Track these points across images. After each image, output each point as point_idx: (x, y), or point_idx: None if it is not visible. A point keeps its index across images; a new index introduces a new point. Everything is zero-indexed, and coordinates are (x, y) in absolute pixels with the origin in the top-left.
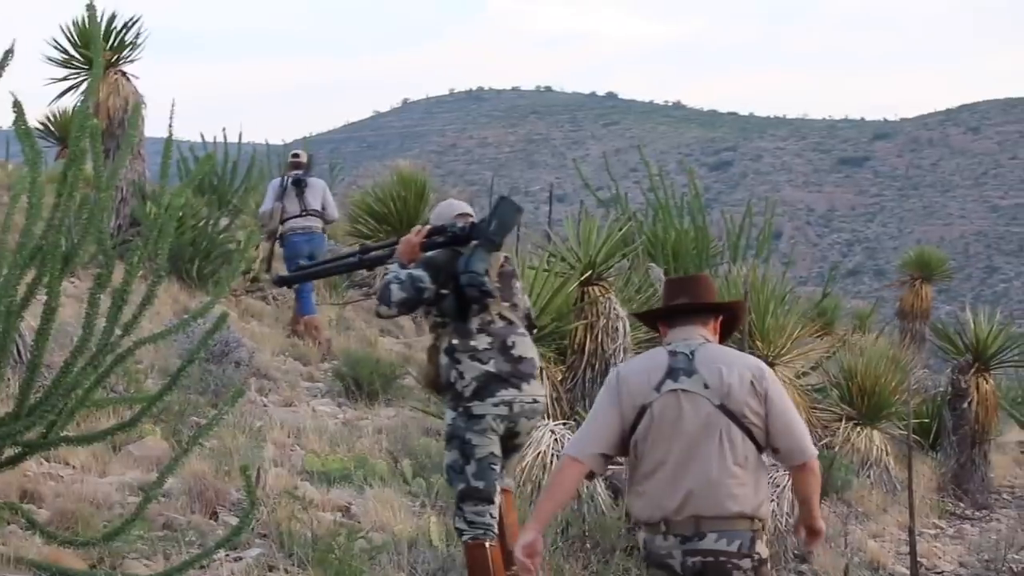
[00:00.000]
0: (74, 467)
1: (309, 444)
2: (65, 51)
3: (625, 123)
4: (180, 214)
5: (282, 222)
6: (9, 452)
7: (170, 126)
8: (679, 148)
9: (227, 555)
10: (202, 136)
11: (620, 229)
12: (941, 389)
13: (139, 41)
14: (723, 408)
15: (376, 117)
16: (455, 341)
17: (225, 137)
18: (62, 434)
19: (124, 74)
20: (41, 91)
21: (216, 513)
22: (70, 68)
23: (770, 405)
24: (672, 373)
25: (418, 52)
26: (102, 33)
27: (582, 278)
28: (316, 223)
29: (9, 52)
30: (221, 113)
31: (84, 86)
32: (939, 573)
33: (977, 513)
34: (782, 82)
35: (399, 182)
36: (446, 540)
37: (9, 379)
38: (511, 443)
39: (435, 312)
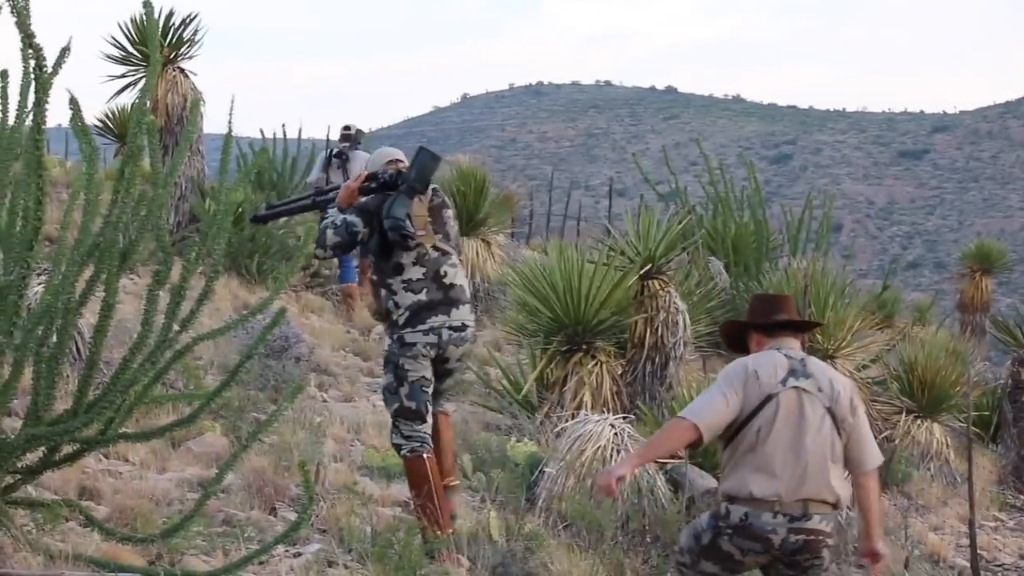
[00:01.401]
0: (133, 463)
1: (369, 439)
2: (123, 48)
3: (685, 117)
4: (239, 210)
5: None
6: (68, 449)
7: (229, 122)
8: (739, 141)
9: (286, 551)
10: (261, 132)
11: (680, 223)
12: (1001, 381)
13: (196, 38)
14: (830, 411)
15: (436, 112)
16: (393, 275)
17: (284, 133)
18: (121, 431)
19: (182, 71)
20: (99, 88)
21: (275, 509)
22: (128, 65)
23: (857, 419)
24: (793, 372)
25: (476, 48)
26: (159, 30)
27: (642, 272)
28: None
29: (66, 50)
30: (280, 109)
31: (142, 83)
32: (999, 565)
33: None
34: (841, 75)
35: (459, 177)
36: (506, 535)
37: (68, 376)
38: (442, 367)
39: (372, 251)
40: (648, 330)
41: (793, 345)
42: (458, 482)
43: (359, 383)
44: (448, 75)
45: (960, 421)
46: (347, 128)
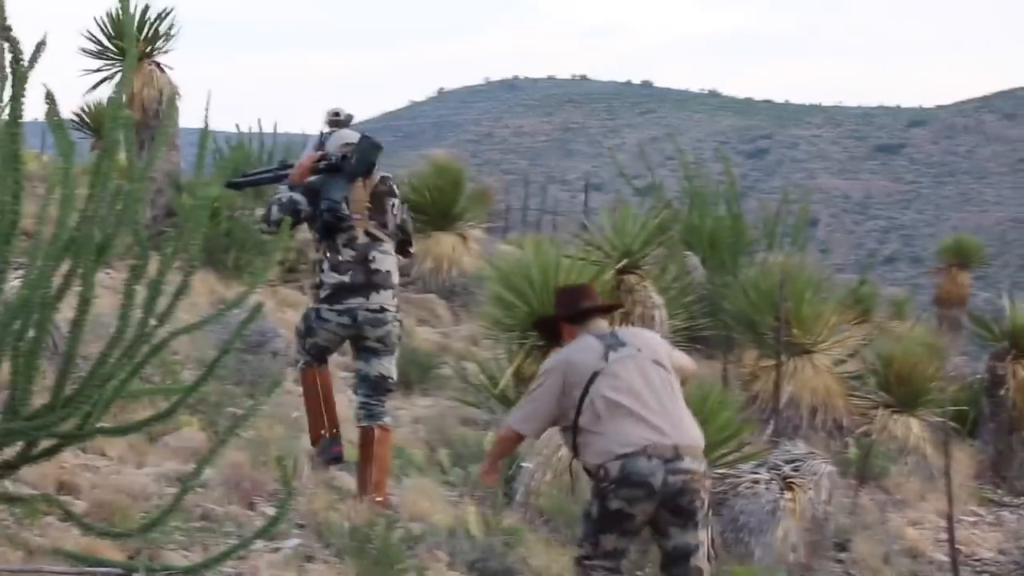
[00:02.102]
0: (111, 458)
1: (347, 434)
2: (99, 42)
3: (661, 112)
4: (215, 204)
5: None
6: (45, 443)
7: (205, 117)
8: (715, 136)
9: (265, 546)
10: (237, 127)
11: (656, 217)
12: (979, 376)
13: (173, 32)
14: (656, 362)
15: (412, 107)
16: (326, 254)
17: (260, 127)
18: (98, 425)
19: (158, 65)
20: (75, 83)
21: (254, 504)
22: (104, 60)
23: (673, 353)
24: (610, 347)
25: (453, 42)
26: (135, 24)
27: (618, 267)
28: None
29: (42, 44)
30: (256, 104)
31: (118, 78)
32: (978, 560)
33: (1015, 500)
34: (817, 70)
35: (435, 172)
36: (485, 530)
37: (45, 370)
38: (362, 344)
39: (313, 229)
40: (625, 324)
41: (601, 325)
42: (382, 499)
43: (336, 378)
44: (424, 69)
45: (938, 416)
46: (336, 113)
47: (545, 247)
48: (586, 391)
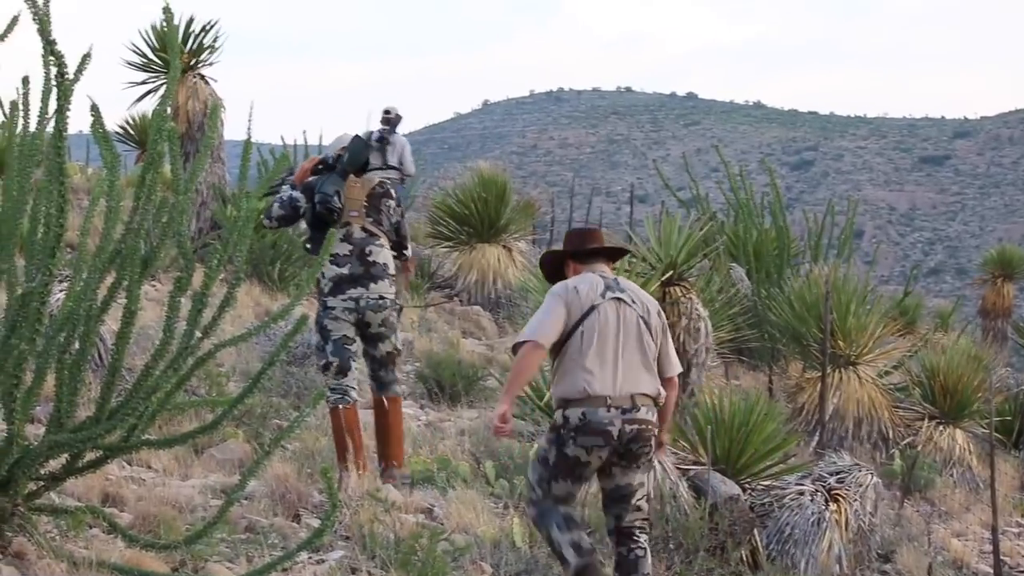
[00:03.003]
0: (156, 470)
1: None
2: (143, 55)
3: (706, 123)
4: (260, 216)
5: None
6: (91, 455)
7: (249, 128)
8: (760, 148)
9: (310, 557)
10: (282, 138)
11: (701, 229)
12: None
13: (217, 44)
14: (643, 320)
15: (457, 119)
16: (320, 243)
17: (305, 139)
18: (143, 437)
19: (202, 77)
20: (120, 95)
21: (299, 515)
22: (148, 72)
23: (665, 332)
24: (609, 287)
25: (495, 54)
26: (180, 36)
27: (663, 278)
28: (394, 175)
29: (87, 56)
30: (301, 115)
31: (162, 90)
32: (1022, 571)
33: None
34: (861, 80)
35: (480, 183)
36: (529, 542)
37: (90, 383)
38: (367, 332)
39: (308, 224)
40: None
41: (604, 270)
42: (399, 464)
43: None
44: (469, 81)
45: (982, 427)
46: (387, 112)
47: None
48: (581, 321)
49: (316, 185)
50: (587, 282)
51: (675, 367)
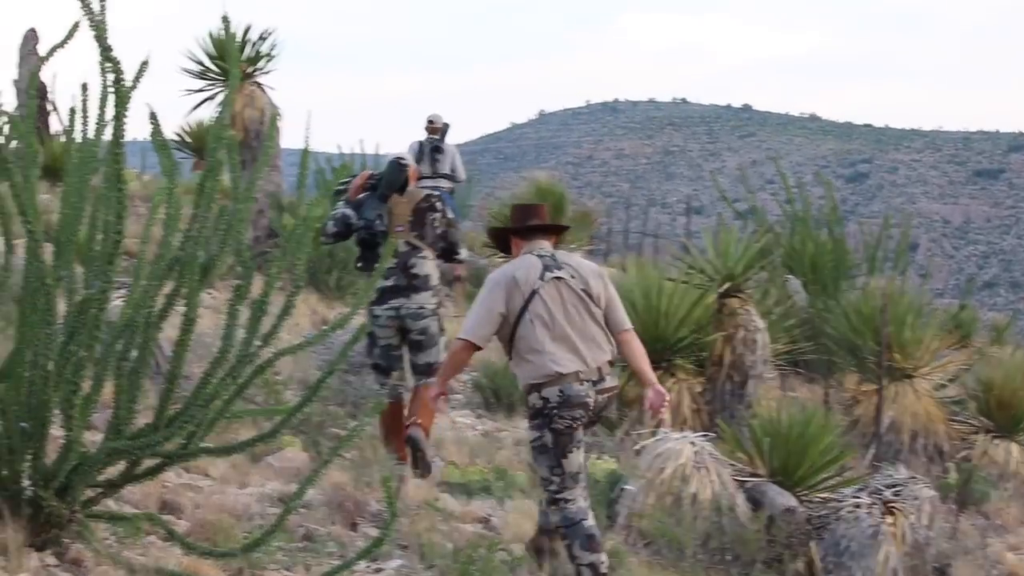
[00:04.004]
0: (214, 478)
1: (449, 455)
2: (201, 63)
3: (761, 135)
4: (318, 225)
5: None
6: (148, 463)
7: (307, 137)
8: (815, 160)
9: (367, 566)
10: (339, 147)
11: (758, 241)
12: None
13: (274, 52)
14: (584, 292)
15: (513, 129)
16: (372, 261)
17: (362, 148)
18: (201, 445)
19: (260, 85)
20: (177, 103)
21: (356, 524)
22: (206, 80)
23: (607, 290)
24: (548, 268)
25: (551, 64)
26: (237, 45)
27: (721, 290)
28: (445, 184)
29: (145, 64)
30: (357, 124)
31: (220, 98)
32: None
33: None
34: (916, 93)
35: (536, 193)
36: None
37: (148, 390)
38: (408, 339)
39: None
40: (727, 348)
41: (545, 245)
42: (422, 425)
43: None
44: (524, 91)
45: None
46: (431, 121)
47: (647, 270)
48: (526, 306)
49: (362, 205)
50: (525, 267)
51: (626, 320)
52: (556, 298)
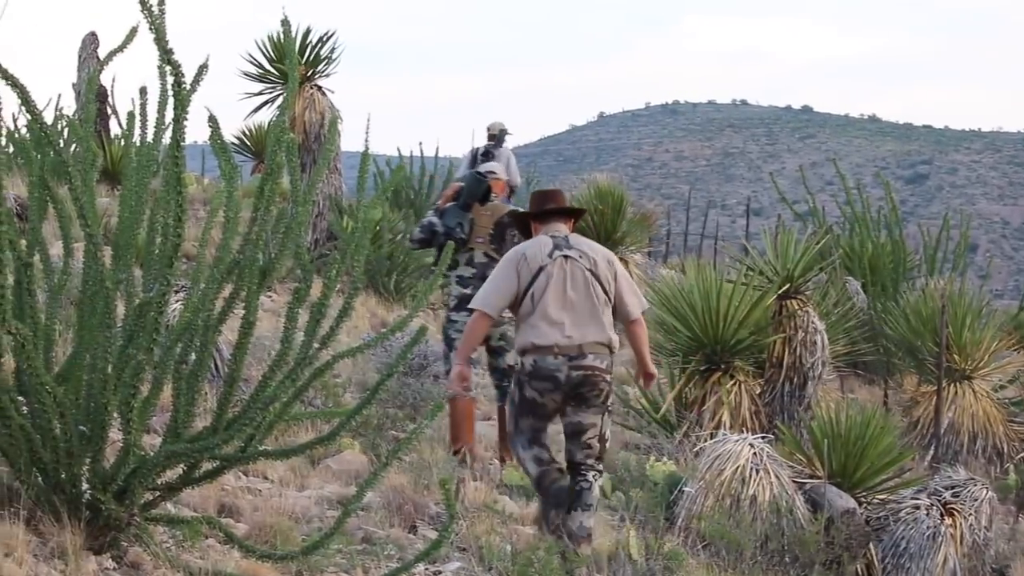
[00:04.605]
0: (272, 481)
1: (508, 458)
2: (260, 66)
3: (820, 136)
4: (377, 227)
5: None
6: (207, 466)
7: (366, 140)
8: (874, 161)
9: (426, 569)
10: (398, 150)
11: (817, 242)
12: None
13: (334, 55)
14: (591, 272)
15: (572, 131)
16: (451, 269)
17: (422, 150)
18: (260, 448)
19: (319, 88)
20: (236, 105)
21: (415, 527)
22: (265, 83)
23: (618, 280)
24: (558, 247)
25: (610, 66)
26: (297, 48)
27: (780, 292)
28: None
29: (204, 67)
30: (417, 127)
31: (279, 100)
32: None
33: None
34: (976, 94)
35: (596, 195)
36: (645, 554)
37: (207, 393)
38: (489, 345)
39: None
40: (786, 350)
41: (561, 228)
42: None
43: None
44: (584, 93)
45: None
46: (490, 128)
47: (707, 272)
48: (531, 283)
49: (446, 214)
50: (536, 245)
51: (634, 311)
52: (559, 275)
